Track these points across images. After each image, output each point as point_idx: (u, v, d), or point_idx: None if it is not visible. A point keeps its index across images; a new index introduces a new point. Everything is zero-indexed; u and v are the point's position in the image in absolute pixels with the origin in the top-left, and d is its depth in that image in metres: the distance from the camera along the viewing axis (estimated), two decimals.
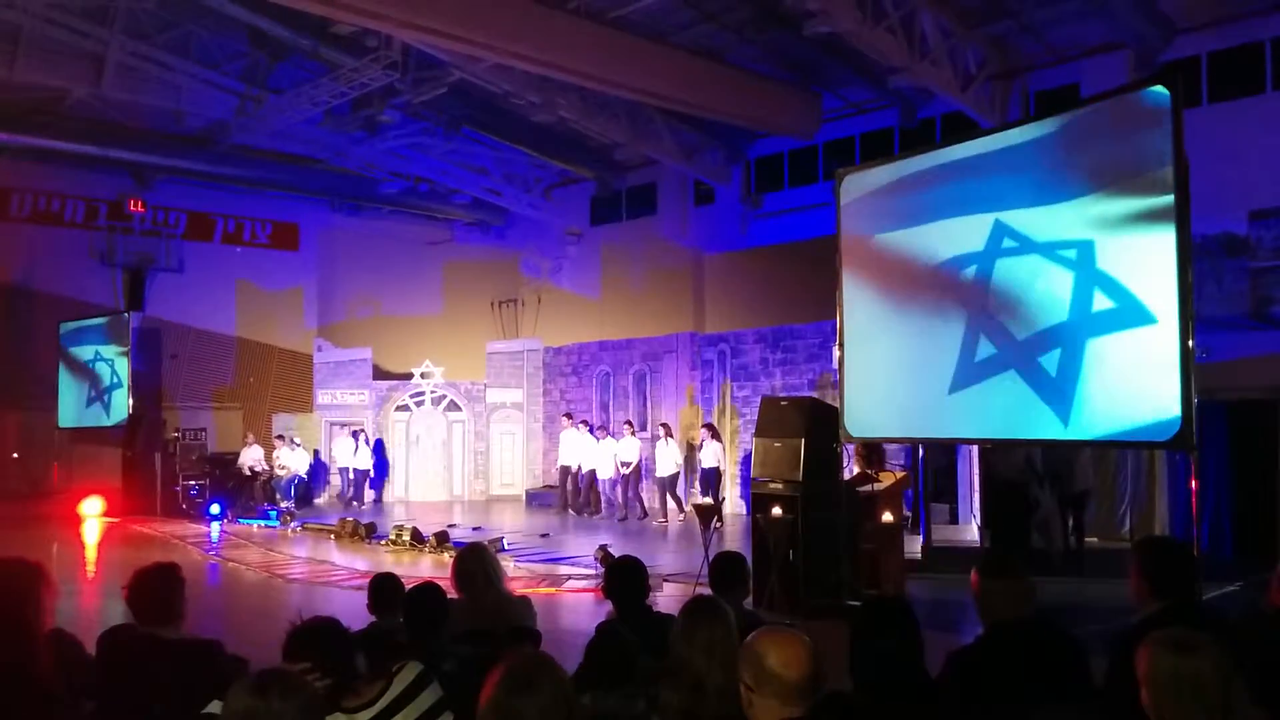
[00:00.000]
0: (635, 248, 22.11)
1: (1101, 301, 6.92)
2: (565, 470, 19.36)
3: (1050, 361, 7.26)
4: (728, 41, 15.96)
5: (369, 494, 20.93)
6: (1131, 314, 6.72)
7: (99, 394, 20.47)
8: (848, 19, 13.07)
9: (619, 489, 18.42)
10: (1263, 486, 11.57)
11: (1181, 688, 2.60)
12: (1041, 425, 7.43)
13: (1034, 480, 12.46)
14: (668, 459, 17.37)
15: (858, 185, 9.49)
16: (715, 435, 17.16)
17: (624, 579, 4.52)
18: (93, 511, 18.54)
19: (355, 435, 20.63)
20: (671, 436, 17.54)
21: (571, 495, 19.18)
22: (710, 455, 16.91)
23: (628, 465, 18.02)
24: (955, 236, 8.10)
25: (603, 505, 18.66)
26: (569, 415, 20.19)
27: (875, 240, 9.01)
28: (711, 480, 16.79)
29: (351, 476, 20.53)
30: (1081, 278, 7.03)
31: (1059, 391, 7.19)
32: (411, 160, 20.87)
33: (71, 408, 20.97)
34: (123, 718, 3.85)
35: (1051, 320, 7.30)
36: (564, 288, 23.85)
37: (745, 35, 15.79)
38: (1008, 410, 7.65)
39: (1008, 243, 7.63)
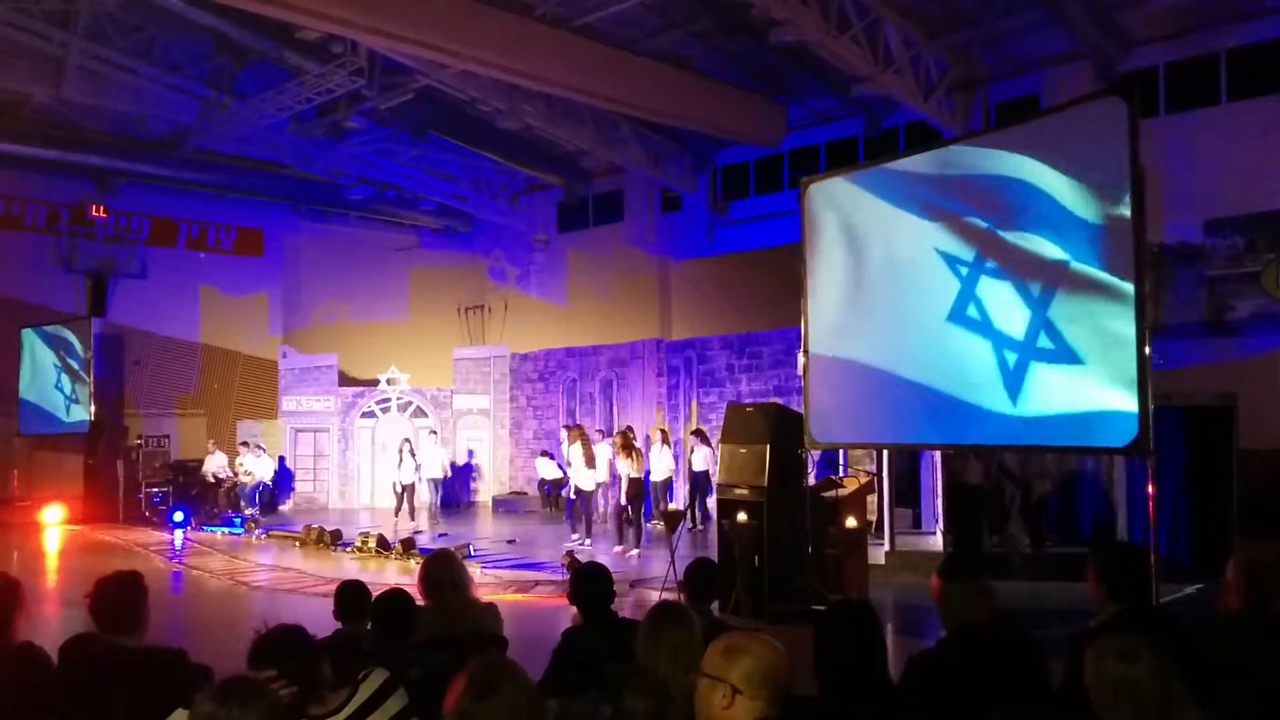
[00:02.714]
0: (602, 254, 22.14)
1: (1044, 341, 7.27)
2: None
3: (1009, 359, 7.47)
4: (694, 50, 16.01)
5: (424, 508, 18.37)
6: (1066, 355, 7.10)
7: (63, 390, 20.32)
8: (812, 28, 13.17)
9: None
10: (1219, 491, 11.72)
11: (1120, 694, 2.70)
12: (995, 399, 7.63)
13: (1007, 479, 12.60)
14: (661, 465, 17.42)
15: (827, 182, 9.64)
16: (704, 440, 17.19)
17: (589, 585, 4.53)
18: (54, 519, 18.34)
19: (421, 444, 18.84)
20: (667, 443, 17.60)
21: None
22: (699, 460, 17.03)
23: None
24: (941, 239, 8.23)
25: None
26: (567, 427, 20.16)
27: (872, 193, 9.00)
28: (699, 484, 17.00)
29: (399, 490, 17.99)
30: (1034, 318, 7.35)
31: (1012, 383, 7.44)
32: (378, 166, 20.82)
33: (31, 386, 20.81)
34: None
35: (1013, 333, 7.48)
36: (531, 294, 23.84)
37: (711, 44, 15.85)
38: (976, 374, 7.81)
39: (989, 265, 7.77)
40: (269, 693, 2.54)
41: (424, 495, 18.00)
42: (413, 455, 17.77)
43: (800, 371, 9.73)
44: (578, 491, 15.43)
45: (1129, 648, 2.76)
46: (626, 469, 14.33)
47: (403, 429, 21.60)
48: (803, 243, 9.54)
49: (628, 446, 14.46)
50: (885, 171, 8.93)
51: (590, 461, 15.14)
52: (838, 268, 9.19)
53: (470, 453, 22.30)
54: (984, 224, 7.80)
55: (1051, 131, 7.50)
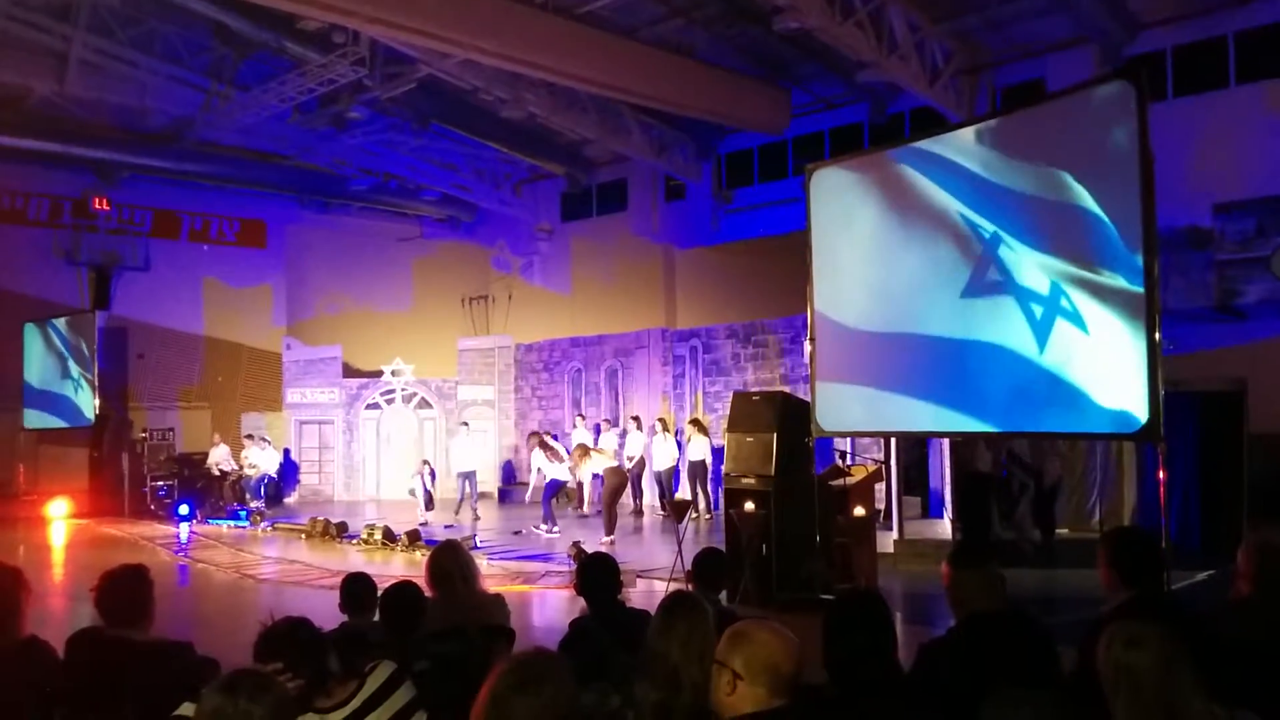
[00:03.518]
0: (606, 244, 22.07)
1: (1066, 304, 7.18)
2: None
3: (1036, 310, 7.49)
4: (697, 37, 15.93)
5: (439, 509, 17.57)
6: (1078, 322, 7.09)
7: (71, 376, 20.36)
8: (817, 14, 13.08)
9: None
10: (1229, 477, 11.68)
11: (1123, 680, 2.68)
12: (1023, 344, 7.59)
13: (1016, 467, 12.57)
14: (664, 454, 17.44)
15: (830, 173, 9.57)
16: (702, 430, 17.18)
17: (596, 575, 4.51)
18: (59, 513, 18.36)
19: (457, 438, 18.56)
20: (668, 431, 17.62)
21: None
22: (697, 450, 17.03)
23: (632, 459, 18.05)
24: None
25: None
26: (583, 416, 20.20)
27: (893, 167, 8.93)
28: (697, 474, 17.01)
29: (420, 498, 17.18)
30: (1054, 289, 7.31)
31: (1039, 329, 7.45)
32: (380, 156, 20.76)
33: (40, 373, 20.82)
34: None
35: (1038, 289, 7.46)
36: (535, 284, 23.80)
37: (714, 31, 15.78)
38: (1002, 329, 7.79)
39: (1004, 246, 7.73)
40: (276, 685, 2.51)
41: (455, 493, 18.06)
42: (432, 475, 17.45)
43: (808, 359, 9.69)
44: (551, 484, 15.84)
45: (1137, 635, 2.74)
46: (597, 465, 15.00)
47: (408, 421, 21.65)
48: (808, 228, 9.49)
49: (549, 447, 15.80)
50: (896, 152, 8.89)
51: (555, 459, 15.79)
52: (854, 241, 9.10)
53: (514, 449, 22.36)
54: (995, 226, 7.78)
55: (1059, 118, 7.46)
